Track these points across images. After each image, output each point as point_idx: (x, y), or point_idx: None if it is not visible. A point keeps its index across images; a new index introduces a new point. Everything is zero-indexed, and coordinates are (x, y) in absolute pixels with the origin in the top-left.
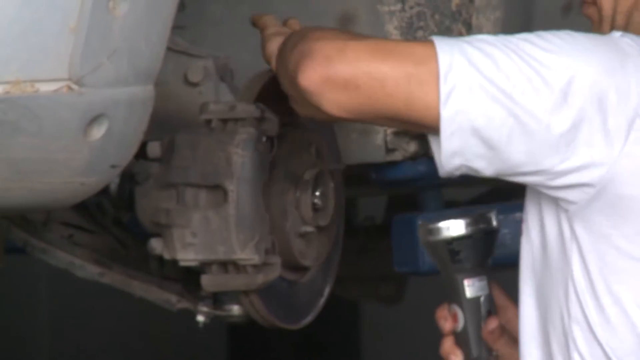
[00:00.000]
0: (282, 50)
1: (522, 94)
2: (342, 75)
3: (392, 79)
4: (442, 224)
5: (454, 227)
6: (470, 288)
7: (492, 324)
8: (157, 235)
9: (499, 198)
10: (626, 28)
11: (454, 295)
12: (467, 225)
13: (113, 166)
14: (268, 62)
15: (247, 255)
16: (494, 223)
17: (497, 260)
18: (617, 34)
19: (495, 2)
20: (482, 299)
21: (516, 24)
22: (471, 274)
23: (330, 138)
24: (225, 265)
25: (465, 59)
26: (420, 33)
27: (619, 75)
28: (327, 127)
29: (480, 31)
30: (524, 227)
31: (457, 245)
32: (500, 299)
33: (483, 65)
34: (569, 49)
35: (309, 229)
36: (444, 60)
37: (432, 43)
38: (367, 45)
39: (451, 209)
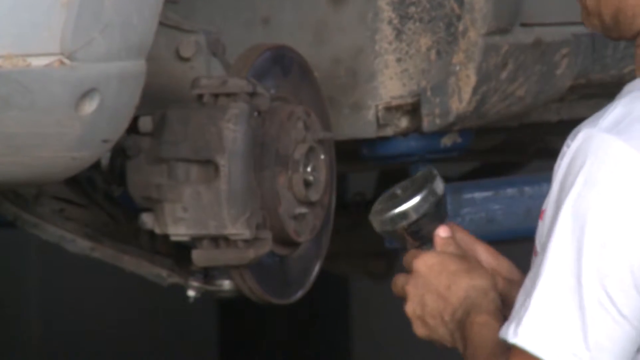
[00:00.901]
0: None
1: None
2: None
3: None
4: (395, 213)
5: (407, 213)
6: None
7: None
8: (148, 209)
9: (489, 173)
10: (616, 26)
11: None
12: (419, 206)
13: (105, 141)
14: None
15: (238, 230)
16: (441, 189)
17: (489, 236)
18: None
19: None
20: None
21: (508, 0)
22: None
23: (321, 109)
24: (217, 240)
25: None
26: (412, 9)
27: None
28: (317, 98)
29: (472, 7)
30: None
31: (414, 226)
32: (466, 242)
33: None
34: None
35: (303, 210)
36: None
37: None
38: None
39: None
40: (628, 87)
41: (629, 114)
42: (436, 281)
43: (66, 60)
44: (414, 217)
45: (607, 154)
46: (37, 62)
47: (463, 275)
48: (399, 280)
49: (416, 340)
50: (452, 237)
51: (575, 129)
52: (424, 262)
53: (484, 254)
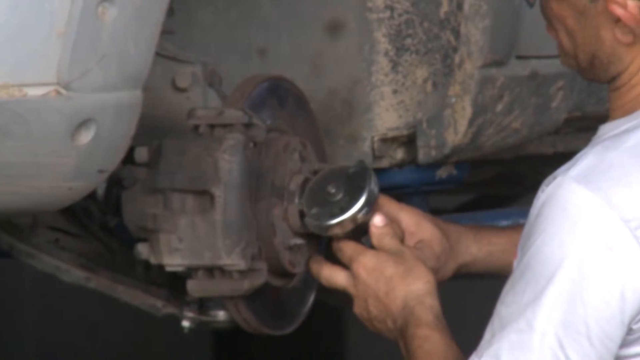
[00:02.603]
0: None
1: None
2: None
3: None
4: (333, 223)
5: (344, 223)
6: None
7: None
8: (144, 240)
9: (485, 206)
10: (592, 70)
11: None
12: (357, 214)
13: (100, 171)
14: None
15: (233, 260)
16: (377, 188)
17: None
18: None
19: (483, 11)
20: None
21: (504, 32)
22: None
23: (317, 140)
24: (211, 270)
25: None
26: (408, 40)
27: None
28: (313, 129)
29: (468, 40)
30: None
31: (351, 231)
32: (393, 212)
33: None
34: None
35: (298, 241)
36: None
37: None
38: None
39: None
40: (602, 130)
41: (599, 164)
42: (375, 287)
43: (62, 91)
44: (350, 227)
45: (574, 203)
46: (34, 92)
47: (399, 281)
48: (338, 279)
49: None
50: (387, 226)
51: (552, 175)
52: (362, 267)
53: (407, 220)
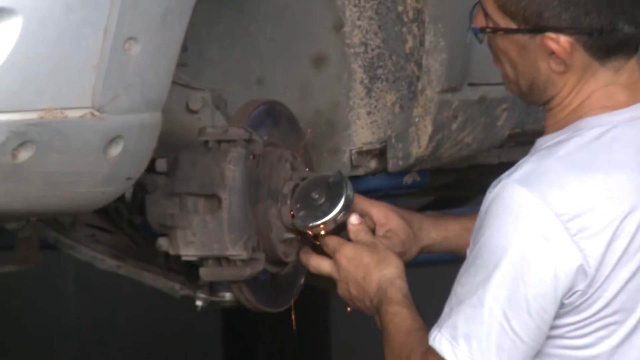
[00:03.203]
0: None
1: None
2: None
3: None
4: (318, 224)
5: (327, 223)
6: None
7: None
8: (164, 235)
9: (442, 206)
10: (531, 94)
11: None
12: (337, 216)
13: (128, 178)
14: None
15: (237, 251)
16: (352, 193)
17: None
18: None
19: (441, 46)
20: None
21: (458, 64)
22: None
23: (305, 153)
24: (219, 260)
25: None
26: (380, 71)
27: None
28: (301, 144)
29: (429, 70)
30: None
31: (332, 229)
32: (365, 208)
33: None
34: None
35: (290, 235)
36: None
37: None
38: None
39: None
40: (539, 142)
41: (536, 170)
42: (354, 273)
43: (96, 113)
44: (332, 226)
45: (516, 201)
46: (73, 114)
47: (374, 267)
48: (323, 267)
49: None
50: (362, 223)
51: (498, 178)
52: (344, 257)
53: (378, 215)
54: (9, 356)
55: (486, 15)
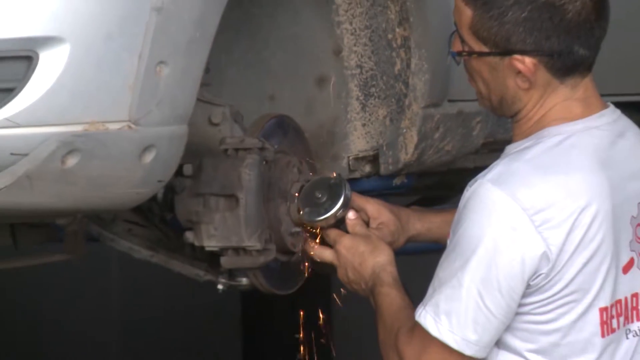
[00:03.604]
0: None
1: None
2: None
3: None
4: (321, 219)
5: (328, 219)
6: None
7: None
8: (190, 229)
9: (426, 204)
10: (501, 108)
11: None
12: (337, 212)
13: (159, 181)
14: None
15: (252, 243)
16: (350, 192)
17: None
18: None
19: (424, 69)
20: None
21: (439, 83)
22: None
23: (310, 159)
24: (237, 250)
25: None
26: (373, 89)
27: None
28: (307, 151)
29: (415, 88)
30: None
31: (334, 223)
32: (360, 204)
33: None
34: None
35: (297, 229)
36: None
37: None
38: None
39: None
40: (508, 149)
41: (507, 171)
42: (352, 260)
43: (132, 125)
44: (332, 220)
45: (489, 198)
46: (112, 126)
47: (368, 255)
48: (325, 255)
49: None
50: (358, 218)
51: (474, 179)
52: (343, 246)
53: (371, 210)
54: (61, 334)
55: (462, 41)
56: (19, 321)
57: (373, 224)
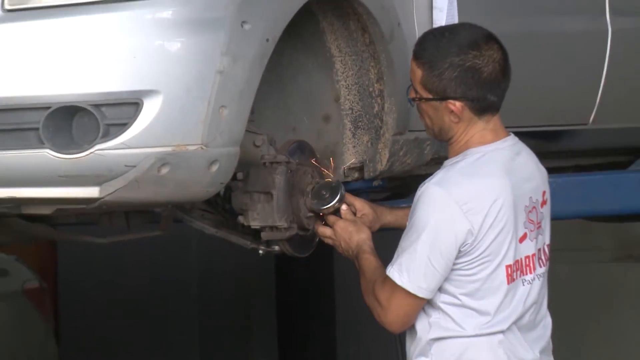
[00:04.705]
0: (369, 281)
1: None
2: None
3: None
4: (325, 207)
5: (329, 209)
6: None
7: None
8: (241, 214)
9: (393, 198)
10: (440, 135)
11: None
12: (336, 204)
13: (221, 183)
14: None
15: (281, 223)
16: (344, 192)
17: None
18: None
19: (393, 110)
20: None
21: (402, 119)
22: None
23: (319, 169)
24: (272, 228)
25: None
26: (360, 124)
27: None
28: (317, 165)
29: (387, 122)
30: None
31: (333, 212)
32: (350, 201)
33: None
34: None
35: (310, 215)
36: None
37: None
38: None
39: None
40: (445, 162)
41: (445, 176)
42: (344, 235)
43: (204, 147)
44: (332, 210)
45: (433, 194)
46: (191, 148)
47: (355, 233)
48: (327, 232)
49: None
50: (349, 209)
51: (424, 182)
52: (338, 227)
53: (358, 205)
54: (153, 295)
55: (415, 91)
56: (124, 285)
57: (358, 214)
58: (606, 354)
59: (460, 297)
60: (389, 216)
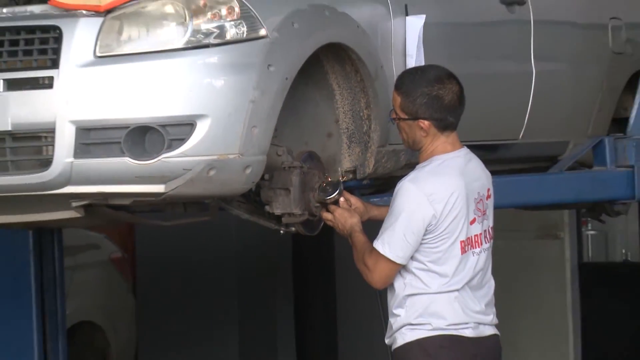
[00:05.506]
0: (360, 252)
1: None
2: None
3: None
4: (328, 198)
5: (331, 199)
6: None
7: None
8: (268, 204)
9: (377, 192)
10: (414, 147)
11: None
12: (336, 196)
13: (253, 182)
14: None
15: (297, 211)
16: (342, 187)
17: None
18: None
19: (378, 128)
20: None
21: (384, 134)
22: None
23: (324, 173)
24: (290, 214)
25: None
26: (353, 139)
27: None
28: (323, 169)
29: (373, 138)
30: None
31: (334, 202)
32: (346, 195)
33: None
34: None
35: (317, 204)
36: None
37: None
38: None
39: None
40: (417, 166)
41: (417, 176)
42: (341, 219)
43: (240, 156)
44: (333, 200)
45: (408, 190)
46: (231, 156)
47: (349, 218)
48: (329, 217)
49: None
50: (345, 202)
51: (400, 180)
52: (338, 213)
53: (352, 200)
54: (202, 265)
55: (395, 113)
56: (183, 257)
57: (352, 207)
58: (531, 306)
59: (427, 263)
60: (375, 211)
